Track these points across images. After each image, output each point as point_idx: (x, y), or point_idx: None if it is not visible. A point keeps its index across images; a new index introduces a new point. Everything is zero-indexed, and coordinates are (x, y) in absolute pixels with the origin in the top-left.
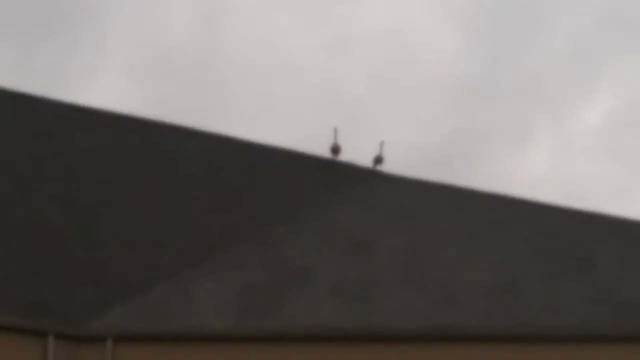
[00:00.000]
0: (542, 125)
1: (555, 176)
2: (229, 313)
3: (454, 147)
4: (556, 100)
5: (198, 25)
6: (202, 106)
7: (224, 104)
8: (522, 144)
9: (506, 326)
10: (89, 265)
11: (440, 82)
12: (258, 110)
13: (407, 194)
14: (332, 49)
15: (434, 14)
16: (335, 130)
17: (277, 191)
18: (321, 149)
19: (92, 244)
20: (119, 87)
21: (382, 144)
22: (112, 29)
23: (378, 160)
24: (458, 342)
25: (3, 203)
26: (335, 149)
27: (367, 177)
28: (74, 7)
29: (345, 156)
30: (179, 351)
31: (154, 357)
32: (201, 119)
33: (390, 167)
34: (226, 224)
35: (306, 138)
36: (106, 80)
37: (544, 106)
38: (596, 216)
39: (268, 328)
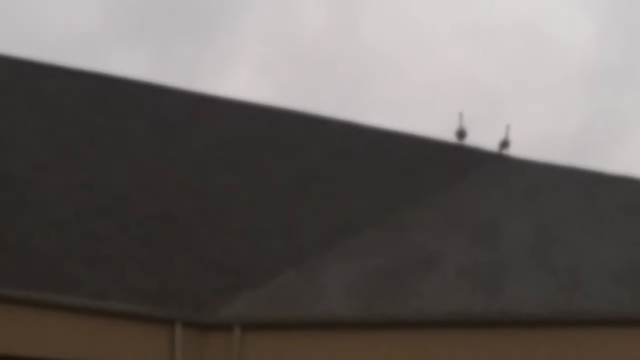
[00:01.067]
0: None
1: None
2: (357, 299)
3: (590, 132)
4: None
5: (329, 16)
6: (334, 97)
7: (358, 94)
8: None
9: (635, 310)
10: (216, 253)
11: (575, 69)
12: (389, 98)
13: (534, 178)
14: (464, 37)
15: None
16: (461, 115)
17: (403, 176)
18: (448, 134)
19: (219, 232)
20: (252, 81)
21: (508, 127)
22: (245, 24)
23: (504, 144)
24: (587, 326)
25: (132, 193)
26: (461, 133)
27: (493, 161)
28: (208, 3)
29: (471, 141)
30: (307, 338)
31: (281, 344)
32: (332, 108)
33: (518, 151)
34: (353, 210)
35: (434, 124)
36: (240, 74)
37: None
38: None
39: (396, 314)
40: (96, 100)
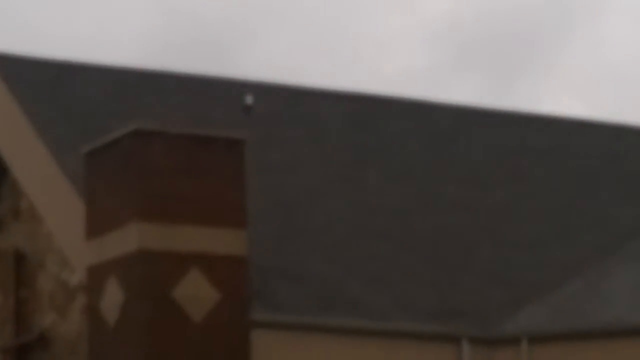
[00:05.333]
0: None
1: None
2: None
3: None
4: None
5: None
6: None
7: None
8: None
9: None
10: (498, 266)
11: None
12: None
13: None
14: None
15: None
16: None
17: None
18: None
19: (499, 245)
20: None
21: None
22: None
23: None
24: None
25: (405, 213)
26: None
27: None
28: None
29: None
30: (595, 348)
31: (570, 355)
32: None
33: None
34: (635, 214)
35: None
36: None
37: None
38: None
39: None
40: (363, 121)
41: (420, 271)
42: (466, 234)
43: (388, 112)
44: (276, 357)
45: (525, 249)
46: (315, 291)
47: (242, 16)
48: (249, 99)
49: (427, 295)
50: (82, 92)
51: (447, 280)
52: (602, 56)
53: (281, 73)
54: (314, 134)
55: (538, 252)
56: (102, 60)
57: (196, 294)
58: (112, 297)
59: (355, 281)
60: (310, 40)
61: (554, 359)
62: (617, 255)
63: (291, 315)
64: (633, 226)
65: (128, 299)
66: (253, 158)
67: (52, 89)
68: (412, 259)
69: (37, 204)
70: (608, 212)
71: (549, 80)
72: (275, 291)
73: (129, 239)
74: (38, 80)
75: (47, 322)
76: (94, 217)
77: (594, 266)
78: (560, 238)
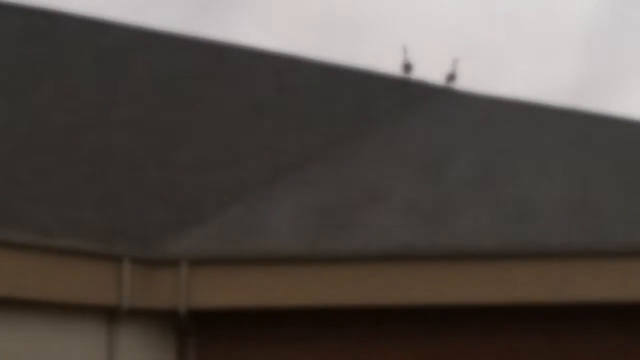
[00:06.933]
0: None
1: None
2: (304, 234)
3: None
4: None
5: None
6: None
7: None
8: None
9: (583, 242)
10: (161, 188)
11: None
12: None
13: (481, 111)
14: None
15: None
16: (406, 48)
17: (348, 110)
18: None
19: (163, 167)
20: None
21: (455, 61)
22: None
23: (451, 77)
24: (534, 259)
25: (72, 129)
26: (407, 67)
27: (439, 94)
28: None
29: (418, 74)
30: (254, 273)
31: (229, 279)
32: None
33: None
34: (298, 144)
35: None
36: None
37: None
38: None
39: (343, 248)
40: (36, 35)
41: (83, 189)
42: (131, 153)
43: (61, 27)
44: None
45: (189, 172)
46: None
47: None
48: None
49: (90, 214)
50: None
51: (111, 199)
52: None
53: None
54: None
55: (202, 175)
56: None
57: None
58: None
59: (17, 195)
60: None
61: (213, 282)
62: (280, 183)
63: None
64: (295, 156)
65: None
66: None
67: None
68: (76, 176)
69: None
70: (273, 141)
71: (249, 13)
72: None
73: None
74: None
75: None
76: None
77: (256, 193)
78: (225, 163)
